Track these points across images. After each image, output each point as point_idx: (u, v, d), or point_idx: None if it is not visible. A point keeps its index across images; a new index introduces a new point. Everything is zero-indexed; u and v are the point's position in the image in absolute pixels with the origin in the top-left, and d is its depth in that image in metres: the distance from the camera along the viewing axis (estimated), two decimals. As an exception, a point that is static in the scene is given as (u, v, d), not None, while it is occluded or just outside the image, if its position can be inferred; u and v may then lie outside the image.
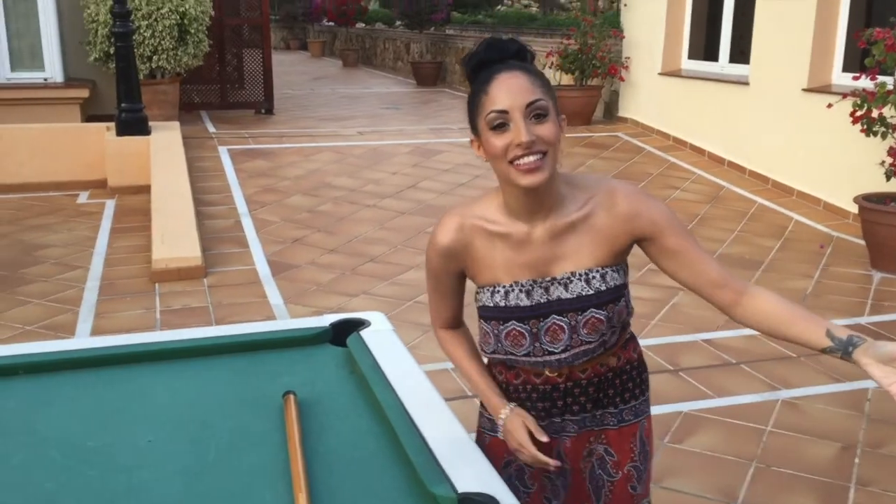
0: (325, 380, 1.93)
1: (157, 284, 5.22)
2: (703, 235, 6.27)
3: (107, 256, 5.77)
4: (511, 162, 1.54)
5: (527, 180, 1.54)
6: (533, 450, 1.68)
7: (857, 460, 3.31)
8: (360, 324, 2.15)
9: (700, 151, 8.43)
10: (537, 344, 1.68)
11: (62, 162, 7.62)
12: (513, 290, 1.66)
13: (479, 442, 1.84)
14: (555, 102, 1.58)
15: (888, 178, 5.56)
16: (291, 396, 1.76)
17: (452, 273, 1.75)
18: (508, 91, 1.53)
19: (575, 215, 1.64)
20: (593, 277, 1.64)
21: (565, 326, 1.65)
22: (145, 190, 7.01)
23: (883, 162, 5.63)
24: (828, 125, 6.51)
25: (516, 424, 1.70)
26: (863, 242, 5.76)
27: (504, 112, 1.53)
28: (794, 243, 6.15)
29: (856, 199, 5.73)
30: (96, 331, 4.51)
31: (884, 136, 5.53)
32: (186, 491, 1.48)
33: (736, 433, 3.50)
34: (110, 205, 7.09)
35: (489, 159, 1.59)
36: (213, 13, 9.54)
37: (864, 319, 4.78)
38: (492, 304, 1.69)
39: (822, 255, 5.87)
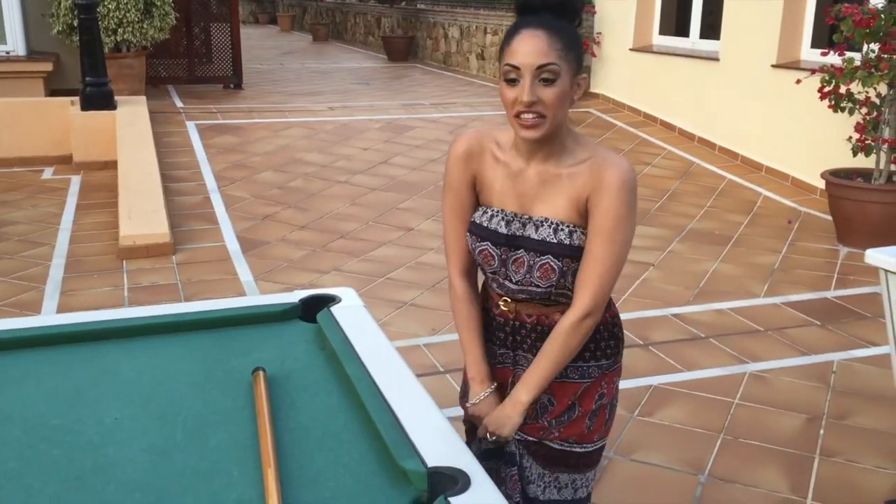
0: (295, 356, 1.91)
1: (124, 262, 5.15)
2: (674, 211, 6.32)
3: (73, 233, 5.68)
4: (515, 115, 1.68)
5: (524, 134, 1.69)
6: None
7: (821, 431, 3.37)
8: (330, 300, 2.13)
9: (671, 127, 8.47)
10: (503, 269, 1.81)
11: (26, 137, 7.47)
12: (497, 216, 1.81)
13: (462, 396, 2.02)
14: (574, 62, 1.67)
15: (855, 153, 5.62)
16: (261, 372, 1.75)
17: (468, 182, 1.85)
18: (525, 50, 1.64)
19: (566, 169, 1.75)
20: (561, 230, 1.75)
21: (525, 262, 1.77)
22: (112, 166, 6.90)
23: (850, 137, 5.69)
24: (796, 101, 6.57)
25: (491, 405, 1.89)
26: (830, 217, 5.83)
27: (516, 68, 1.65)
28: (763, 218, 6.21)
29: (823, 175, 5.79)
30: (63, 308, 4.45)
31: (851, 112, 5.58)
32: (153, 468, 1.46)
33: (704, 406, 3.55)
34: (76, 181, 6.97)
35: (503, 103, 1.72)
36: (179, -15, 9.37)
37: (829, 293, 4.86)
38: (478, 222, 1.83)
39: (789, 231, 5.94)
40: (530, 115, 1.66)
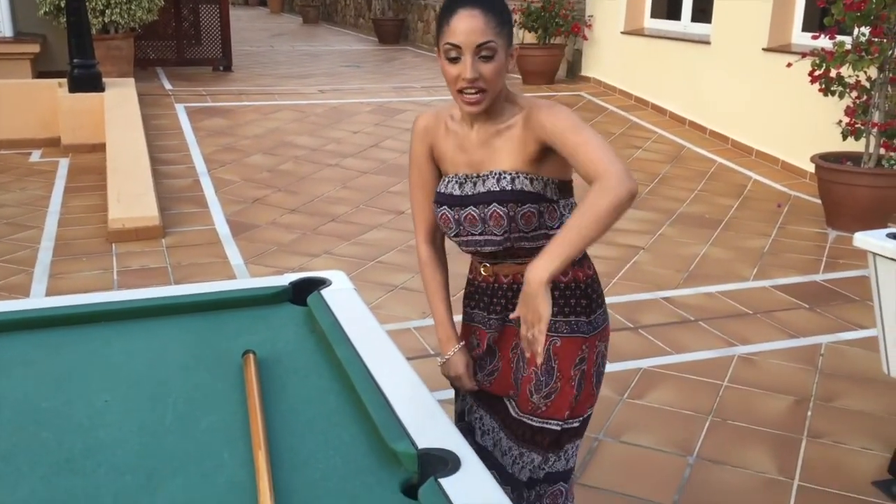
0: (286, 339, 1.91)
1: (113, 245, 5.13)
2: (664, 195, 6.33)
3: (61, 216, 5.65)
4: (459, 91, 1.79)
5: (468, 109, 1.82)
6: (469, 383, 2.01)
7: (809, 413, 3.40)
8: (320, 283, 2.13)
9: (662, 111, 8.47)
10: (461, 227, 1.91)
11: (13, 119, 7.40)
12: (452, 181, 1.92)
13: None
14: (507, 37, 1.80)
15: (844, 137, 5.64)
16: (251, 355, 1.75)
17: (426, 155, 1.99)
18: (463, 29, 1.75)
19: (503, 125, 1.86)
20: (504, 178, 1.84)
21: (476, 215, 1.87)
22: (100, 148, 6.85)
23: (840, 121, 5.71)
24: (787, 85, 6.57)
25: (459, 361, 2.00)
26: (819, 201, 5.86)
27: (457, 47, 1.76)
28: (753, 202, 6.23)
29: (812, 159, 5.80)
30: (51, 291, 4.43)
31: (841, 96, 5.59)
32: (144, 450, 1.46)
33: (693, 388, 3.57)
34: (64, 163, 6.93)
35: (445, 79, 1.83)
36: (167, -34, 9.28)
37: (819, 277, 4.88)
38: (438, 191, 1.95)
39: (779, 214, 5.96)
40: (473, 92, 1.77)
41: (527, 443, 1.95)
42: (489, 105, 1.81)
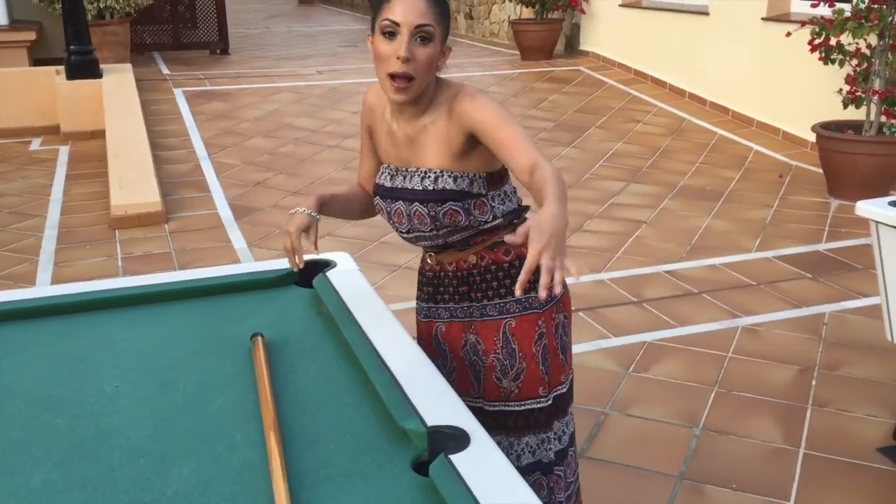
0: (293, 321, 1.93)
1: (116, 231, 5.14)
2: (665, 168, 6.32)
3: (64, 204, 5.66)
4: (388, 75, 1.74)
5: (393, 96, 1.76)
6: (293, 241, 1.87)
7: (813, 382, 3.42)
8: (325, 265, 2.14)
9: (661, 84, 8.42)
10: (392, 220, 1.91)
11: (12, 108, 7.39)
12: (385, 171, 1.92)
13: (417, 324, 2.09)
14: (445, 30, 1.78)
15: (845, 106, 5.61)
16: (259, 338, 1.76)
17: (367, 129, 1.99)
18: (405, 8, 1.71)
19: (427, 119, 1.83)
20: (428, 177, 1.83)
21: (403, 212, 1.87)
22: (100, 135, 6.84)
23: (840, 90, 5.68)
24: (787, 54, 6.53)
25: (299, 220, 1.87)
26: (821, 171, 5.84)
27: (396, 24, 1.72)
28: (754, 173, 6.22)
29: (813, 128, 5.78)
30: (57, 279, 4.44)
31: (841, 64, 5.56)
32: (156, 434, 1.48)
33: (698, 360, 3.59)
34: (64, 151, 6.92)
35: (374, 60, 1.78)
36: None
37: (821, 246, 4.88)
38: (376, 180, 1.95)
39: (781, 185, 5.95)
40: (401, 81, 1.72)
41: (515, 430, 1.93)
42: (416, 96, 1.77)
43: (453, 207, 1.81)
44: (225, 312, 1.97)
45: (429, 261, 2.00)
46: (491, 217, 1.87)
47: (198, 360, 1.76)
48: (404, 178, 1.87)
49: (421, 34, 1.72)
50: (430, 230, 1.86)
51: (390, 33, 1.73)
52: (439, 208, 1.82)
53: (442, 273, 1.97)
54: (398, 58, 1.71)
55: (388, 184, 1.90)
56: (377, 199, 1.93)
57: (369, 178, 2.04)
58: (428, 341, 2.03)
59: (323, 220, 1.94)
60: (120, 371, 1.71)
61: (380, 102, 1.92)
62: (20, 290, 2.20)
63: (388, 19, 1.72)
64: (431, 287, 2.01)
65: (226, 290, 2.07)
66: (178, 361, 1.75)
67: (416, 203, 1.83)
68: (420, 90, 1.77)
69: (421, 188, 1.83)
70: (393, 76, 1.73)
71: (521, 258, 1.90)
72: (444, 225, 1.84)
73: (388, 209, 1.90)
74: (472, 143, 1.79)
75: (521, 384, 1.91)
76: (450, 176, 1.81)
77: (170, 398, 1.61)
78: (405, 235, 1.93)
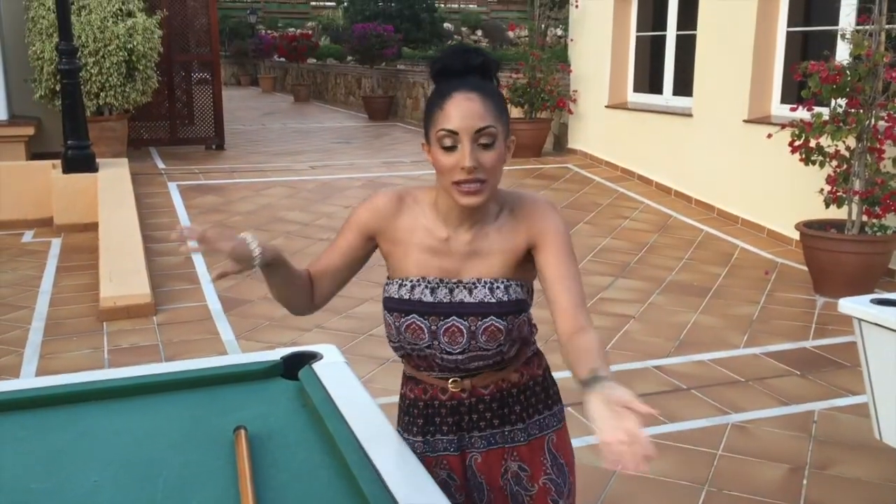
0: (277, 414, 1.91)
1: (104, 323, 5.12)
2: (652, 263, 6.38)
3: (52, 296, 5.65)
4: (454, 182, 1.60)
5: (465, 201, 1.61)
6: (209, 234, 1.67)
7: (804, 481, 3.37)
8: (312, 357, 2.14)
9: (648, 182, 8.60)
10: (436, 342, 1.71)
11: (7, 200, 7.47)
12: (419, 285, 1.71)
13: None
14: (506, 125, 1.64)
15: (827, 205, 5.73)
16: (242, 431, 1.75)
17: (365, 236, 1.77)
18: (461, 114, 1.58)
19: (492, 226, 1.70)
20: (497, 287, 1.68)
21: (464, 329, 1.69)
22: (92, 227, 6.90)
23: (822, 190, 5.81)
24: (769, 155, 6.71)
25: (235, 243, 1.66)
26: (806, 268, 5.92)
27: (454, 133, 1.59)
28: (740, 270, 6.29)
29: (797, 227, 5.89)
30: (41, 372, 4.40)
31: (822, 165, 5.71)
32: (134, 531, 1.45)
33: (688, 457, 3.55)
34: (56, 243, 6.96)
35: (435, 170, 1.65)
36: (161, 49, 9.50)
37: (809, 343, 4.90)
38: (397, 297, 1.73)
39: (767, 282, 6.01)
40: (472, 185, 1.59)
41: None
42: (488, 199, 1.63)
43: (524, 318, 1.71)
44: (209, 404, 1.96)
45: (452, 388, 1.77)
46: (528, 331, 1.79)
47: (180, 453, 1.73)
48: (451, 290, 1.69)
49: (483, 139, 1.59)
50: (497, 347, 1.69)
51: (449, 146, 1.59)
52: (516, 319, 1.68)
53: (474, 400, 1.79)
54: (463, 168, 1.58)
55: (428, 298, 1.69)
56: (411, 318, 1.70)
57: (325, 274, 1.81)
58: (459, 475, 1.83)
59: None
60: (100, 465, 1.69)
61: (404, 206, 1.73)
62: (2, 382, 2.19)
63: (444, 129, 1.58)
64: (462, 416, 1.80)
65: (211, 382, 2.06)
66: (160, 454, 1.73)
67: (492, 318, 1.66)
68: (492, 192, 1.64)
69: (495, 300, 1.66)
70: (460, 182, 1.59)
71: (535, 378, 1.85)
72: (512, 339, 1.70)
73: (434, 327, 1.69)
74: (529, 255, 1.70)
75: (572, 500, 1.85)
76: (518, 285, 1.69)
77: (149, 493, 1.58)
78: (455, 357, 1.70)
